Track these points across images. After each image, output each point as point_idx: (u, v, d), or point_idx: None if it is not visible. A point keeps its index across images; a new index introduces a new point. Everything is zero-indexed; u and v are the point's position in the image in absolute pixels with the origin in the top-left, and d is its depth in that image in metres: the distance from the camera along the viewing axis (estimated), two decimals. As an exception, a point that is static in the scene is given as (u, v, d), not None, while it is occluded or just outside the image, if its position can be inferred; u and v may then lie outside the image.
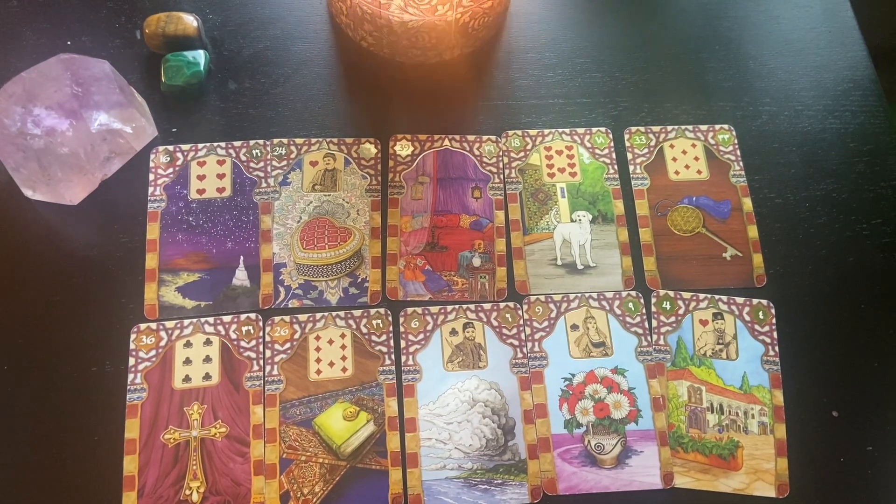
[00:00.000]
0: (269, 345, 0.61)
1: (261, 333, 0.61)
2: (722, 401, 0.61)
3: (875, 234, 0.67)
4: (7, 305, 0.61)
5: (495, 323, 0.63)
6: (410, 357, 0.61)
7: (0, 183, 0.63)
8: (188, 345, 0.61)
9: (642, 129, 0.70)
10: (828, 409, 0.61)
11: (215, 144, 0.67)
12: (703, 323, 0.63)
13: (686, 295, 0.64)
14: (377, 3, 0.66)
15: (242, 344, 0.61)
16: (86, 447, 0.57)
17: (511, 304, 0.63)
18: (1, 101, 0.60)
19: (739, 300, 0.64)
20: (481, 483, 0.58)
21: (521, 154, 0.69)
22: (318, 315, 0.62)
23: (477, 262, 0.65)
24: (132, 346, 0.60)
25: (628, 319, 0.63)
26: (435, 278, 0.64)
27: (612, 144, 0.69)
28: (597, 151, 0.69)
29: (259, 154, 0.67)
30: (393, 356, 0.61)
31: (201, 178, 0.66)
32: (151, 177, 0.66)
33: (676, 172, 0.69)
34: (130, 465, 0.57)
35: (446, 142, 0.69)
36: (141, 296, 0.62)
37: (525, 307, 0.63)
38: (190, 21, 0.69)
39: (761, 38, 0.75)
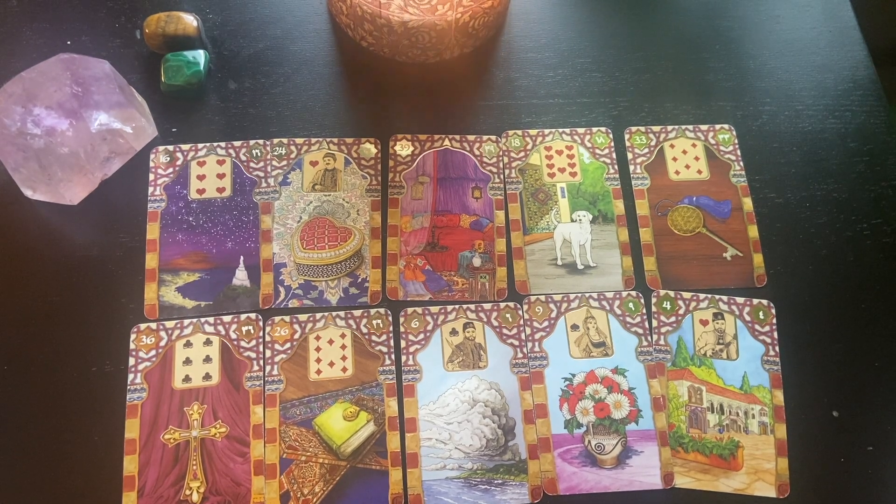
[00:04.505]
0: (269, 345, 0.61)
1: (261, 333, 0.61)
2: (722, 401, 0.61)
3: (875, 234, 0.67)
4: (7, 305, 0.61)
5: (495, 323, 0.63)
6: (410, 357, 0.61)
7: (0, 183, 0.63)
8: (188, 345, 0.61)
9: (642, 128, 0.70)
10: (828, 409, 0.61)
11: (215, 144, 0.67)
12: (704, 323, 0.63)
13: (686, 295, 0.64)
14: (377, 3, 0.66)
15: (242, 344, 0.61)
16: (86, 447, 0.57)
17: (511, 304, 0.63)
18: (1, 101, 0.60)
19: (740, 300, 0.64)
20: (481, 483, 0.58)
21: (522, 154, 0.69)
22: (319, 315, 0.62)
23: (477, 262, 0.65)
24: (132, 346, 0.60)
25: (628, 319, 0.63)
26: (435, 278, 0.64)
27: (612, 144, 0.69)
28: (597, 151, 0.69)
29: (259, 154, 0.67)
30: (393, 356, 0.61)
31: (201, 178, 0.66)
32: (151, 177, 0.66)
33: (677, 172, 0.69)
34: (130, 465, 0.57)
35: (446, 142, 0.69)
36: (141, 296, 0.62)
37: (525, 307, 0.63)
38: (190, 21, 0.69)
39: (761, 38, 0.75)
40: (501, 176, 0.68)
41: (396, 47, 0.70)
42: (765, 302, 0.64)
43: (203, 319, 0.61)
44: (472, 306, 0.63)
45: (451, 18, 0.66)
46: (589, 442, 0.60)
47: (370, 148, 0.68)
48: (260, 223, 0.65)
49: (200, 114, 0.69)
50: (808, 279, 0.65)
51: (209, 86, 0.70)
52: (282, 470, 0.58)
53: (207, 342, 0.61)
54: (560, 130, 0.70)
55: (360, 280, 0.64)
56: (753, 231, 0.67)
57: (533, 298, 0.64)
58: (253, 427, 0.59)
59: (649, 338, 0.63)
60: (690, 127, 0.70)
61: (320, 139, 0.68)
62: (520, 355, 0.62)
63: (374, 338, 0.62)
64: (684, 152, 0.70)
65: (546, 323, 0.63)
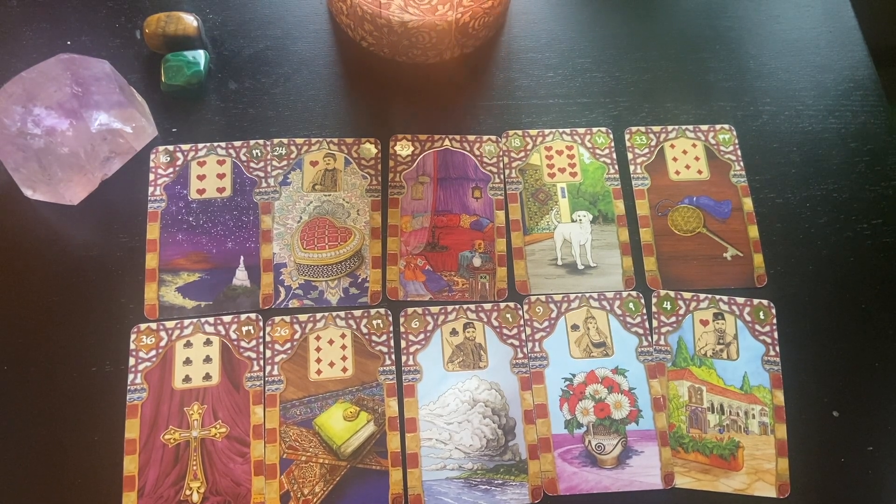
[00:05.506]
0: (270, 345, 0.61)
1: (261, 333, 0.61)
2: (722, 401, 0.61)
3: (875, 234, 0.67)
4: (7, 305, 0.61)
5: (496, 323, 0.63)
6: (411, 357, 0.61)
7: (0, 183, 0.63)
8: (188, 345, 0.61)
9: (643, 128, 0.70)
10: (828, 409, 0.61)
11: (215, 144, 0.67)
12: (704, 323, 0.63)
13: (687, 295, 0.64)
14: (377, 3, 0.66)
15: (243, 344, 0.61)
16: (86, 447, 0.57)
17: (511, 304, 0.63)
18: (1, 101, 0.60)
19: (740, 300, 0.64)
20: (482, 483, 0.58)
21: (522, 154, 0.69)
22: (319, 315, 0.62)
23: (477, 262, 0.65)
24: (132, 346, 0.60)
25: (629, 319, 0.63)
26: (435, 278, 0.64)
27: (612, 144, 0.69)
28: (597, 151, 0.69)
29: (259, 154, 0.67)
30: (393, 356, 0.61)
31: (201, 178, 0.66)
32: (151, 177, 0.66)
33: (677, 172, 0.69)
34: (130, 465, 0.57)
35: (446, 142, 0.69)
36: (141, 296, 0.62)
37: (525, 307, 0.63)
38: (190, 21, 0.69)
39: (761, 38, 0.75)
40: (501, 176, 0.68)
41: (396, 47, 0.70)
42: (765, 302, 0.64)
43: (203, 319, 0.61)
44: (473, 306, 0.63)
45: (451, 18, 0.66)
46: (589, 442, 0.60)
47: (370, 148, 0.68)
48: (260, 223, 0.65)
49: (200, 114, 0.69)
50: (808, 279, 0.65)
51: (209, 86, 0.70)
52: (282, 470, 0.58)
53: (207, 342, 0.61)
54: (560, 130, 0.70)
55: (360, 280, 0.64)
56: (753, 231, 0.67)
57: (533, 298, 0.64)
58: (253, 427, 0.59)
59: (649, 338, 0.63)
60: (690, 127, 0.70)
61: (320, 139, 0.68)
62: (520, 355, 0.62)
63: (374, 338, 0.62)
64: (684, 152, 0.70)
65: (546, 323, 0.63)
